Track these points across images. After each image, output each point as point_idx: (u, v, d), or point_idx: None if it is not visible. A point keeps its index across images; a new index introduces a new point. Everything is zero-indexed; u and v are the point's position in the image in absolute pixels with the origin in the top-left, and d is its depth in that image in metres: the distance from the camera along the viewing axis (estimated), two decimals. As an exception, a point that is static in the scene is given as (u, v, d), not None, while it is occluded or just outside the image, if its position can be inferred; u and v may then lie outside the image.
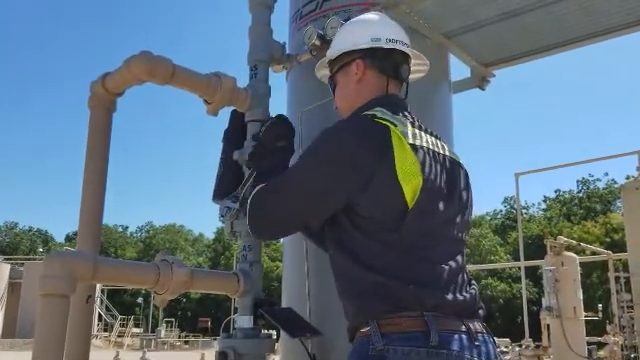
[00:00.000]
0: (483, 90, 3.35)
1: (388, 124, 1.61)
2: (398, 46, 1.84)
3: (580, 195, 50.21)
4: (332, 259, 1.69)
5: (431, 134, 1.76)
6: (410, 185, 1.53)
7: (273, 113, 2.34)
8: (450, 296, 1.52)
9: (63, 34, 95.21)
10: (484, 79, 3.31)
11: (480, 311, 1.61)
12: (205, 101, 2.23)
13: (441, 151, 1.72)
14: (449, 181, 1.67)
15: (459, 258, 1.63)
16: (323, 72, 2.04)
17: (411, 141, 1.61)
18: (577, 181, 50.28)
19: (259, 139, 2.04)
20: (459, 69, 3.27)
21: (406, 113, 1.76)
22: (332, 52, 1.91)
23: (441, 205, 1.61)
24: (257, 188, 1.76)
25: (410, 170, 1.55)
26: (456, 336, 1.47)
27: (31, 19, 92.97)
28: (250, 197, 1.77)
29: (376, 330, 1.47)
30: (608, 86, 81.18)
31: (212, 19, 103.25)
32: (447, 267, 1.56)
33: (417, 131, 1.68)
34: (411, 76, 1.92)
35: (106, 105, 2.24)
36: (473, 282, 1.65)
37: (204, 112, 2.27)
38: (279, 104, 2.80)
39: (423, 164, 1.58)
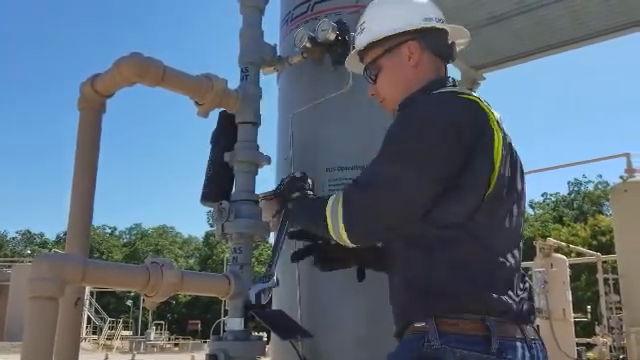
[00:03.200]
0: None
1: (476, 100, 1.51)
2: (446, 26, 1.72)
3: (572, 197, 50.60)
4: (395, 249, 1.57)
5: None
6: (495, 169, 1.43)
7: (264, 115, 2.34)
8: (512, 301, 1.43)
9: (63, 34, 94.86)
10: (474, 82, 3.34)
11: (532, 316, 1.52)
12: (196, 103, 2.22)
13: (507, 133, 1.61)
14: (512, 168, 1.55)
15: (518, 253, 1.54)
16: (354, 61, 1.86)
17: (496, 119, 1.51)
18: (568, 182, 50.70)
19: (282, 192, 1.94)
20: (450, 72, 3.29)
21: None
22: (375, 34, 1.71)
23: (507, 194, 1.50)
24: (343, 192, 1.54)
25: (499, 153, 1.45)
26: (514, 344, 1.40)
27: (31, 19, 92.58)
28: (339, 201, 1.52)
29: (434, 328, 1.38)
30: (601, 88, 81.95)
31: (208, 20, 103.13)
32: (509, 263, 1.47)
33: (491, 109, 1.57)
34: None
35: (95, 107, 2.23)
36: (526, 278, 1.56)
37: (194, 113, 2.26)
38: (270, 106, 2.80)
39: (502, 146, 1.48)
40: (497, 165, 1.45)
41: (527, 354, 1.41)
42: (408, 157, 1.46)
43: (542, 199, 52.42)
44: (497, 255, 1.45)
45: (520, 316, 1.45)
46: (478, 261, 1.43)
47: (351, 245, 1.53)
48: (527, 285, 1.53)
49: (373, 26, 1.73)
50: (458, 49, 1.82)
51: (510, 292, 1.44)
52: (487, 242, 1.44)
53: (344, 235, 1.51)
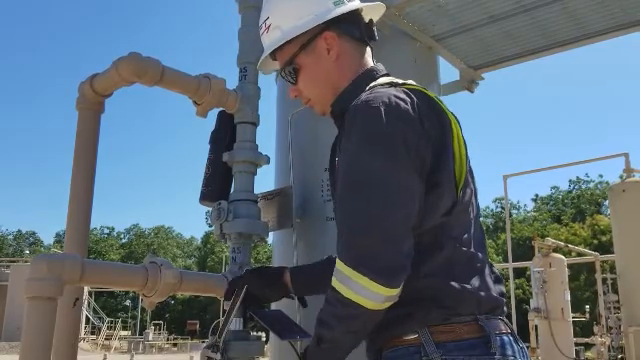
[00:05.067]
0: (472, 93, 3.37)
1: (422, 89, 1.39)
2: (359, 4, 1.52)
3: (571, 195, 50.70)
4: None
5: None
6: (459, 167, 1.35)
7: (263, 115, 2.34)
8: (497, 295, 1.37)
9: (63, 34, 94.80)
10: (473, 82, 3.33)
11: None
12: (194, 102, 2.22)
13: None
14: (466, 154, 1.44)
15: (484, 241, 1.45)
16: (268, 61, 1.65)
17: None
18: (570, 181, 50.80)
19: None
20: (448, 72, 3.29)
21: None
22: (287, 32, 1.50)
23: (470, 190, 1.40)
24: (341, 257, 1.26)
25: (461, 141, 1.38)
26: (507, 339, 1.33)
27: (31, 19, 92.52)
28: (344, 270, 1.25)
29: (429, 339, 1.28)
30: (599, 88, 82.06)
31: (206, 21, 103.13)
32: (483, 255, 1.39)
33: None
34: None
35: (94, 107, 2.22)
36: (494, 268, 1.45)
37: (193, 113, 2.26)
38: (268, 106, 2.80)
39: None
40: (463, 154, 1.37)
41: (516, 347, 1.34)
42: (385, 175, 1.26)
43: (544, 195, 52.49)
44: (474, 250, 1.37)
45: (502, 309, 1.39)
46: (460, 261, 1.34)
47: (392, 295, 1.24)
48: (498, 274, 1.45)
49: (281, 23, 1.52)
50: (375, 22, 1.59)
51: (496, 289, 1.38)
52: (462, 239, 1.36)
53: (379, 287, 1.21)
